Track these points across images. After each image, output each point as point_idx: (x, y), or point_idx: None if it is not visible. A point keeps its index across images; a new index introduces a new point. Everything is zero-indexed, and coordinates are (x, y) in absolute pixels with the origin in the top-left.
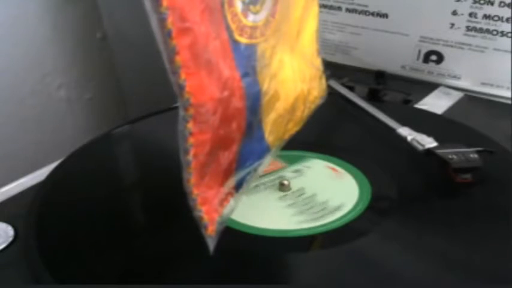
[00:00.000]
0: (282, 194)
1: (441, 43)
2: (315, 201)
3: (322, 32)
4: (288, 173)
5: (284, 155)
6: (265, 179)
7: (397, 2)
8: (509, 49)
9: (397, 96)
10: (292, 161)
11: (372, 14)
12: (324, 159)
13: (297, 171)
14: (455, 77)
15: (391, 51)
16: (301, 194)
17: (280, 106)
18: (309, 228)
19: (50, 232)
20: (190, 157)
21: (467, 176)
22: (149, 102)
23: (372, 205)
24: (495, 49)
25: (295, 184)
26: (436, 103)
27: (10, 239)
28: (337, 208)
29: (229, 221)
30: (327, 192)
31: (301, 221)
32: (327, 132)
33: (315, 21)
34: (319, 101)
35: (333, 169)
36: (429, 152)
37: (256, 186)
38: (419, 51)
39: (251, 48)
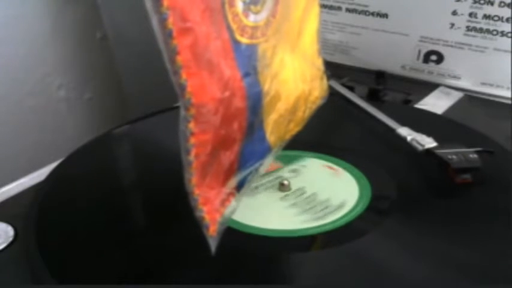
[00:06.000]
0: (282, 194)
1: (441, 43)
2: (316, 200)
3: (322, 32)
4: (286, 173)
5: (278, 156)
6: (264, 180)
7: (397, 2)
8: (509, 49)
9: (397, 96)
10: (287, 161)
11: (372, 14)
12: (323, 159)
13: (294, 171)
14: (455, 77)
15: (391, 51)
16: (302, 194)
17: (282, 106)
18: (315, 227)
19: (50, 232)
20: (191, 157)
21: (467, 176)
22: (149, 102)
23: (372, 205)
24: (495, 49)
25: (294, 184)
26: (436, 103)
27: (10, 239)
28: (340, 206)
29: (234, 223)
30: (327, 191)
31: (304, 220)
32: (326, 132)
33: (316, 21)
34: (320, 101)
35: (330, 167)
36: (429, 152)
37: (256, 187)
38: (419, 51)
39: (252, 48)
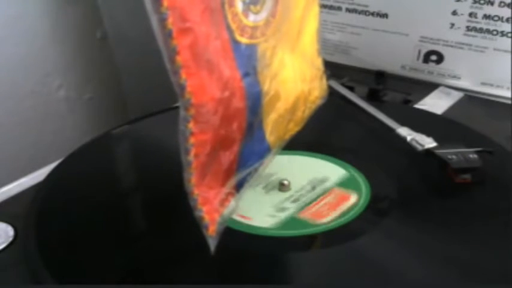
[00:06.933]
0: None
1: (441, 43)
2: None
3: (322, 32)
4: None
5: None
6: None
7: (397, 2)
8: (509, 49)
9: (397, 96)
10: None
11: (372, 14)
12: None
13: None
14: (455, 77)
15: (391, 51)
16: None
17: (281, 106)
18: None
19: (50, 232)
20: (191, 157)
21: (467, 176)
22: (149, 102)
23: (371, 205)
24: (495, 49)
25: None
26: (436, 103)
27: (10, 239)
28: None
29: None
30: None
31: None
32: (326, 132)
33: (316, 21)
34: (319, 101)
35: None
36: (428, 152)
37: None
38: (419, 51)
39: (252, 48)
